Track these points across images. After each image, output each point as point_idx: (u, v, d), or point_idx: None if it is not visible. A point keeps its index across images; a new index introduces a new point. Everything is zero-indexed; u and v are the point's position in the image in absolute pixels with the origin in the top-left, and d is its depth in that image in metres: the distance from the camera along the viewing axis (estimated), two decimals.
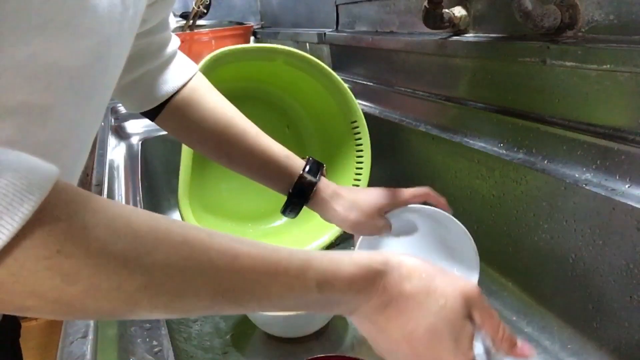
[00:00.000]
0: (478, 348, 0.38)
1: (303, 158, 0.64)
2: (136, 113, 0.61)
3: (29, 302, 0.25)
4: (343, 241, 0.84)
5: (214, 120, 0.60)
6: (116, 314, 0.28)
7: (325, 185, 0.62)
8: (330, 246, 0.82)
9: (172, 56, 0.60)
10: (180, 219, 0.72)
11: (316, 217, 0.86)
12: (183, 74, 0.60)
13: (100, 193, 0.77)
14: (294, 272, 0.33)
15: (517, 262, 0.63)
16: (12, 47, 0.28)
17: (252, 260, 0.31)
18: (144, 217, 0.29)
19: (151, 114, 0.60)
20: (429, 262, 0.39)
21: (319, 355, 0.54)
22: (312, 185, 0.61)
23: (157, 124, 0.61)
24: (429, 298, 0.36)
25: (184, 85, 0.59)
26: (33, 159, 0.25)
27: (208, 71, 0.74)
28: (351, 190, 0.63)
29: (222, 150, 0.62)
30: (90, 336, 0.49)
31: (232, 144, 0.61)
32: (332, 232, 0.83)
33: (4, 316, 0.66)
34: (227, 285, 0.30)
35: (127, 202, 0.77)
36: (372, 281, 0.36)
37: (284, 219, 0.89)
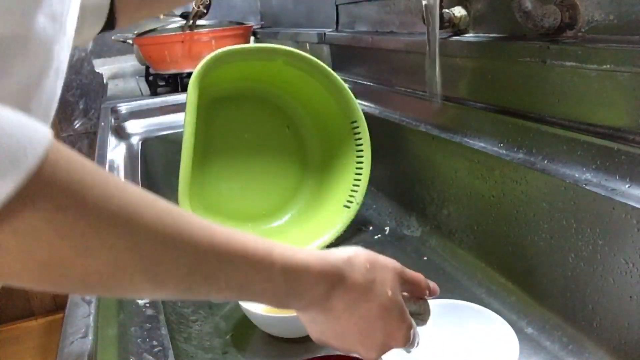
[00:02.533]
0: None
1: None
2: (139, 112, 0.61)
3: (22, 264, 0.26)
4: (343, 241, 0.84)
5: None
6: (102, 278, 0.29)
7: None
8: (331, 246, 0.82)
9: None
10: None
11: (316, 217, 0.87)
12: None
13: None
14: (260, 254, 0.35)
15: (517, 262, 0.63)
16: None
17: (227, 240, 0.33)
18: (133, 186, 0.31)
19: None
20: (365, 250, 0.44)
21: (319, 355, 0.54)
22: None
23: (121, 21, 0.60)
24: (375, 284, 0.42)
25: None
26: (27, 118, 0.26)
27: (208, 71, 0.75)
28: None
29: None
30: (90, 336, 0.49)
31: None
32: (332, 232, 0.83)
33: None
34: (203, 260, 0.32)
35: None
36: (331, 273, 0.40)
37: (284, 219, 0.89)
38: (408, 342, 0.44)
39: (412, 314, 0.45)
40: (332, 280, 0.40)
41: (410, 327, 0.44)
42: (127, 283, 0.30)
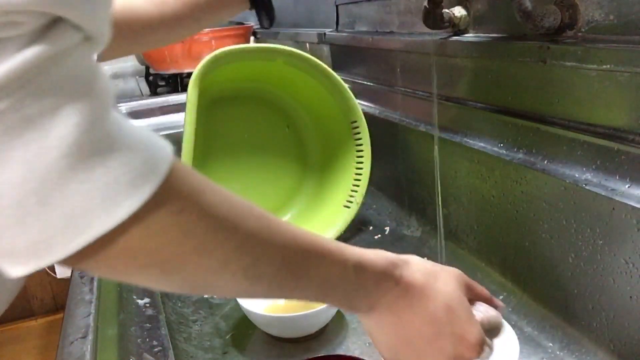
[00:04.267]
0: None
1: None
2: (139, 112, 0.61)
3: (148, 259, 0.29)
4: (343, 241, 0.83)
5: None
6: (210, 275, 0.32)
7: None
8: None
9: None
10: None
11: (316, 217, 0.87)
12: None
13: None
14: (336, 253, 0.38)
15: (517, 262, 0.63)
16: None
17: (308, 239, 0.36)
18: (233, 194, 0.33)
19: None
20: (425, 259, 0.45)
21: (319, 355, 0.54)
22: None
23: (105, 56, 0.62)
24: (437, 285, 0.42)
25: None
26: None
27: (208, 71, 0.75)
28: None
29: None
30: (90, 336, 0.49)
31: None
32: (332, 232, 0.83)
33: None
34: (292, 258, 0.35)
35: None
36: (391, 271, 0.41)
37: (284, 219, 0.89)
38: (480, 349, 0.43)
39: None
40: (395, 277, 0.41)
41: (480, 331, 0.43)
42: (228, 280, 0.33)
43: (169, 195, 0.28)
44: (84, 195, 0.25)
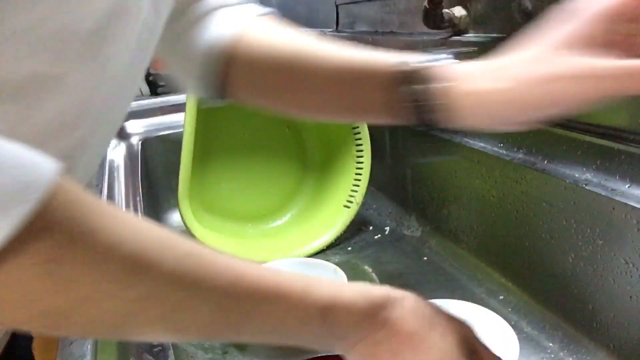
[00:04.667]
0: None
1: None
2: (139, 112, 0.59)
3: (20, 313, 0.24)
4: (343, 241, 0.84)
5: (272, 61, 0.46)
6: (111, 326, 0.26)
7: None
8: (331, 246, 0.82)
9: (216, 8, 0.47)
10: (180, 219, 0.72)
11: (316, 217, 0.87)
12: (230, 24, 0.46)
13: (100, 193, 0.77)
14: (296, 296, 0.31)
15: (517, 262, 0.63)
16: (14, 13, 0.25)
17: (255, 281, 0.30)
18: (148, 225, 0.28)
19: (215, 87, 0.48)
20: (428, 301, 0.37)
21: (319, 355, 0.54)
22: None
23: (231, 98, 0.50)
24: (431, 335, 0.35)
25: (233, 37, 0.46)
26: (32, 154, 0.23)
27: None
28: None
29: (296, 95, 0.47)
30: None
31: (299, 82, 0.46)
32: (332, 232, 0.83)
33: None
34: (228, 304, 0.29)
35: (127, 202, 0.77)
36: (375, 312, 0.34)
37: (284, 218, 0.89)
38: None
39: None
40: (379, 320, 0.34)
41: None
42: (140, 330, 0.28)
43: (42, 232, 0.22)
44: None
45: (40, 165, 0.23)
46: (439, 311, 0.37)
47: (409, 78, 0.40)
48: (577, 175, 0.53)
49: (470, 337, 0.37)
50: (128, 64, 0.37)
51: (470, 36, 0.70)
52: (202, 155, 0.84)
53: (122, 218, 0.26)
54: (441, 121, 0.39)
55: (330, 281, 0.34)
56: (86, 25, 0.29)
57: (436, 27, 0.71)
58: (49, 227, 0.23)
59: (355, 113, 0.46)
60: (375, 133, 0.85)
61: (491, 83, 0.38)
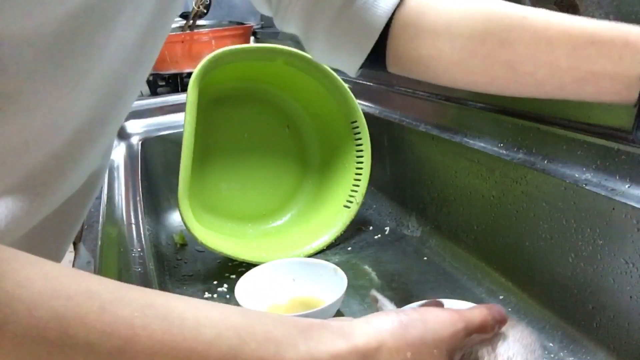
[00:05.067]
0: None
1: None
2: (139, 112, 0.58)
3: None
4: (343, 241, 0.84)
5: (468, 20, 0.41)
6: None
7: None
8: (331, 246, 0.82)
9: None
10: (180, 219, 0.72)
11: (316, 217, 0.87)
12: None
13: (99, 193, 0.77)
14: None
15: (517, 262, 0.63)
16: None
17: (154, 345, 0.25)
18: (75, 275, 0.25)
19: (376, 59, 0.47)
20: (409, 333, 0.33)
21: None
22: None
23: (392, 70, 0.48)
24: None
25: None
26: None
27: (208, 71, 0.75)
28: None
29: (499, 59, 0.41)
30: None
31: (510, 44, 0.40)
32: (332, 232, 0.83)
33: None
34: None
35: (127, 202, 0.77)
36: None
37: (284, 219, 0.89)
38: None
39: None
40: None
41: None
42: None
43: None
44: None
45: None
46: (420, 343, 0.33)
47: None
48: (577, 175, 0.53)
49: (454, 337, 0.34)
50: (128, 63, 0.36)
51: None
52: (202, 155, 0.84)
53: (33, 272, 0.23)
54: None
55: (319, 335, 0.30)
56: (47, 29, 0.26)
57: None
58: None
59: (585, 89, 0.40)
60: (376, 133, 0.85)
61: None
